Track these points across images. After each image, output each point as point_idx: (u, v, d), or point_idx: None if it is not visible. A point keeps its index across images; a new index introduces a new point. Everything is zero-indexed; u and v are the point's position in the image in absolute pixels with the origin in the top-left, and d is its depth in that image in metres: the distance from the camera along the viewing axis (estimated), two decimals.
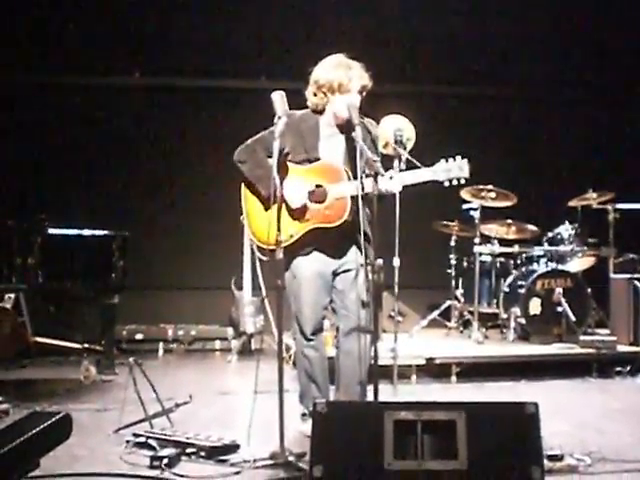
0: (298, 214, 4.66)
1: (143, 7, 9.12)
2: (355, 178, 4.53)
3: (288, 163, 4.69)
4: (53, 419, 3.33)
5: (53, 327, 7.91)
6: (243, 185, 4.85)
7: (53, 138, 8.99)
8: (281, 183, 4.44)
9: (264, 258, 4.73)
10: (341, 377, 4.79)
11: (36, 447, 3.26)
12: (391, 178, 4.49)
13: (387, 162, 5.01)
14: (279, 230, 4.27)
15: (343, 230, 4.63)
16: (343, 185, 4.60)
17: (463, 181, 4.51)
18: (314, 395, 4.72)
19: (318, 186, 4.65)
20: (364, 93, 4.74)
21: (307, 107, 4.85)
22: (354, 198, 4.54)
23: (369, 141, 4.68)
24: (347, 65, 4.71)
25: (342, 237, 4.69)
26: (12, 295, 7.35)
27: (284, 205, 4.55)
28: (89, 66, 9.07)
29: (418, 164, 4.69)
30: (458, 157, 4.50)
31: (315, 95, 4.78)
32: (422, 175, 4.55)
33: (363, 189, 4.44)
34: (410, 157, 5.41)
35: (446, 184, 4.53)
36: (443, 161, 4.52)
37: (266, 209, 4.70)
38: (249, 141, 4.83)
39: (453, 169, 4.48)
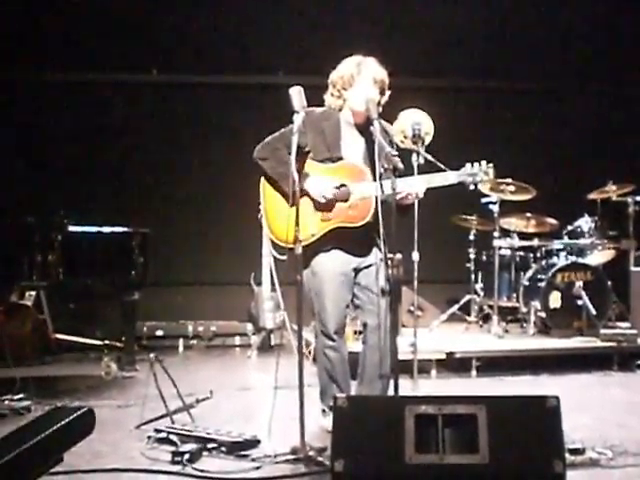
0: (324, 209, 4.65)
1: (160, 4, 9.14)
2: (373, 173, 4.53)
3: (310, 161, 4.68)
4: (76, 414, 3.34)
5: (74, 324, 7.97)
6: (263, 183, 4.83)
7: (72, 136, 9.01)
8: (300, 180, 4.44)
9: (280, 257, 4.72)
10: (365, 371, 4.78)
11: (60, 442, 3.27)
12: (402, 170, 4.49)
13: (405, 156, 4.99)
14: (298, 226, 4.27)
15: (365, 230, 4.63)
16: (367, 185, 4.59)
17: (487, 185, 4.54)
18: (334, 394, 4.69)
19: (342, 185, 4.64)
20: (387, 92, 4.75)
21: (324, 102, 4.86)
22: (377, 198, 4.54)
23: (387, 139, 4.67)
24: (357, 60, 4.75)
25: (363, 237, 4.68)
26: (33, 293, 7.40)
27: (308, 202, 4.55)
28: (107, 64, 9.09)
29: (435, 161, 4.68)
30: (483, 162, 4.56)
31: (332, 95, 4.81)
32: (447, 178, 4.60)
33: (384, 189, 4.43)
34: (427, 152, 5.40)
35: (471, 187, 4.58)
36: (469, 165, 4.58)
37: (291, 206, 4.68)
38: (269, 138, 4.81)
39: (479, 173, 4.56)
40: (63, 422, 3.27)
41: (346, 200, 4.63)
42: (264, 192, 4.83)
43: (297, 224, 4.27)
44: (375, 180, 4.54)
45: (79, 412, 3.37)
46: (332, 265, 4.70)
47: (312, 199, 4.63)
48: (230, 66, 9.39)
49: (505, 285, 8.41)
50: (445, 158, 4.98)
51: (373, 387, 4.72)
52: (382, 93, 4.75)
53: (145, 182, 9.20)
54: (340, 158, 4.71)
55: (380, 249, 4.60)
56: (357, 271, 4.76)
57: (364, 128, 4.74)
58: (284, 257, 4.65)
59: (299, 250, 4.29)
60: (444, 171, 4.69)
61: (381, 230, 4.44)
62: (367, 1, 9.19)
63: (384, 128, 4.72)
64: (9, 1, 8.76)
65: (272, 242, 4.81)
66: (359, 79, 4.69)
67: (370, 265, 4.73)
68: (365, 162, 4.70)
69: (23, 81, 9.07)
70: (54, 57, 9.01)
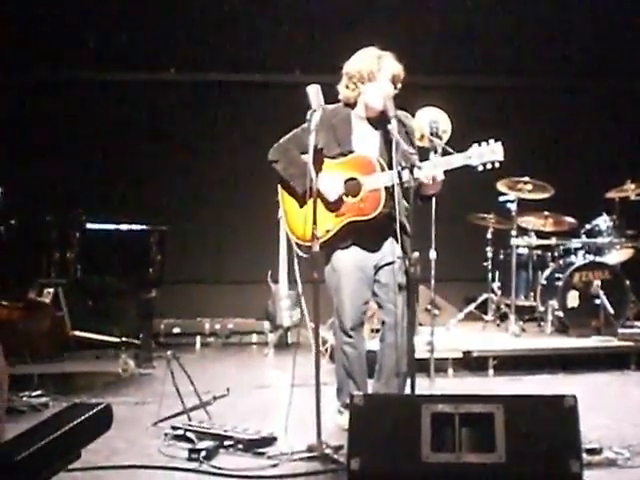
0: (334, 207, 4.66)
1: (177, 2, 9.16)
2: (390, 169, 4.53)
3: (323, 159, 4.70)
4: (94, 410, 3.36)
5: (91, 321, 7.99)
6: (280, 184, 4.87)
7: (90, 135, 9.04)
8: (318, 177, 4.45)
9: (303, 254, 4.72)
10: (382, 369, 4.78)
11: (78, 438, 3.28)
12: (420, 168, 4.45)
13: (423, 154, 4.98)
14: (315, 224, 4.28)
15: (379, 222, 4.63)
16: (376, 176, 4.59)
17: (497, 165, 4.47)
18: (351, 391, 4.66)
19: (352, 179, 4.65)
20: (399, 85, 4.74)
21: (339, 102, 4.85)
22: (388, 189, 4.54)
23: (404, 134, 4.65)
24: (377, 54, 4.72)
25: (379, 229, 4.68)
26: (51, 290, 7.41)
27: (320, 200, 4.55)
28: (125, 63, 9.11)
29: (454, 153, 4.66)
30: (491, 140, 4.48)
31: (347, 87, 4.79)
32: (454, 160, 4.54)
33: (400, 180, 4.43)
34: (446, 148, 5.38)
35: (480, 168, 4.50)
36: (476, 145, 4.51)
37: (301, 206, 4.71)
38: (282, 140, 4.84)
39: (486, 153, 4.46)
40: (81, 418, 3.28)
41: (357, 194, 4.63)
42: (282, 192, 4.85)
43: (314, 222, 4.28)
44: (387, 170, 4.55)
45: (97, 408, 3.38)
46: (351, 261, 4.71)
47: (322, 197, 4.63)
48: (247, 65, 9.39)
49: (522, 284, 8.38)
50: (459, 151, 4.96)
51: (390, 385, 4.72)
52: (395, 87, 4.74)
53: (163, 180, 9.21)
54: (351, 152, 4.72)
55: (398, 241, 4.59)
56: (377, 268, 4.76)
57: (378, 121, 4.74)
58: (307, 255, 4.64)
59: (316, 248, 4.30)
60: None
61: (397, 220, 4.44)
62: (384, 0, 9.18)
63: (402, 121, 4.70)
64: (24, 1, 8.81)
65: (293, 241, 4.82)
66: (379, 75, 4.67)
67: (390, 263, 4.72)
68: (381, 155, 4.69)
69: (40, 81, 9.10)
70: (71, 56, 9.03)
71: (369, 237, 4.71)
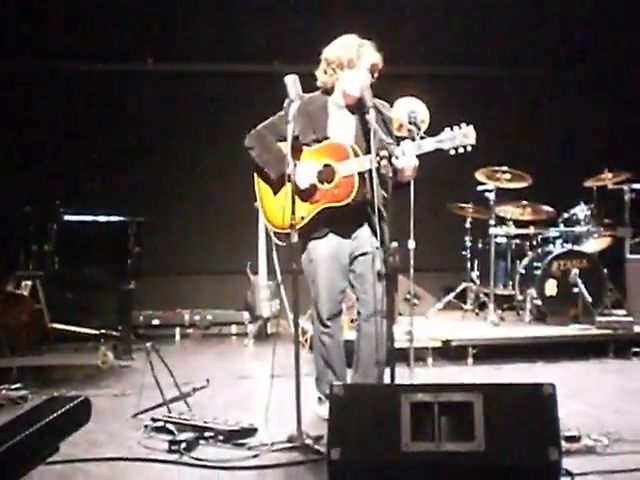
0: (307, 195, 4.67)
1: None
2: (366, 154, 4.53)
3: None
4: (73, 403, 3.34)
5: (70, 313, 7.96)
6: (255, 171, 4.87)
7: (67, 124, 9.00)
8: (295, 166, 4.46)
9: (281, 243, 4.72)
10: (360, 360, 4.79)
11: (56, 431, 3.26)
12: (397, 158, 4.46)
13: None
14: (293, 213, 4.28)
15: (354, 209, 4.64)
16: (350, 162, 4.59)
17: (469, 149, 4.44)
18: (330, 380, 4.68)
19: (326, 166, 4.65)
20: (375, 74, 4.73)
21: (318, 89, 4.85)
22: (362, 175, 4.54)
23: (381, 122, 4.65)
24: (358, 43, 4.72)
25: (354, 216, 4.70)
26: (29, 282, 7.39)
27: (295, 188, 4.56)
28: (102, 52, 9.06)
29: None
30: (463, 124, 4.47)
31: (325, 72, 4.79)
32: (425, 145, 4.52)
33: (378, 167, 4.43)
34: (424, 137, 5.37)
35: (451, 152, 4.47)
36: (448, 129, 4.49)
37: (275, 193, 4.72)
38: (258, 127, 4.86)
39: (458, 137, 4.44)
40: (59, 412, 3.26)
41: (332, 180, 4.64)
42: (258, 180, 4.86)
43: (293, 212, 4.28)
44: (363, 156, 4.57)
45: (75, 402, 3.37)
46: (327, 251, 4.72)
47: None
48: (226, 55, 9.36)
49: (501, 273, 8.42)
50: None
51: (368, 375, 4.73)
52: (372, 77, 4.74)
53: (140, 171, 9.16)
54: (326, 138, 4.73)
55: (375, 232, 4.60)
56: (352, 258, 4.77)
57: (355, 109, 4.76)
58: (284, 244, 4.65)
59: (295, 238, 4.30)
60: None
61: (375, 207, 4.45)
62: None
63: (381, 112, 4.71)
64: None
65: (270, 229, 4.82)
66: (358, 63, 4.67)
67: (365, 253, 4.73)
68: (358, 142, 4.69)
69: (18, 72, 9.03)
70: (48, 47, 8.97)
71: (344, 224, 4.71)
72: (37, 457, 3.23)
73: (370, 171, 4.45)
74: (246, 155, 4.84)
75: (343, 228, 4.73)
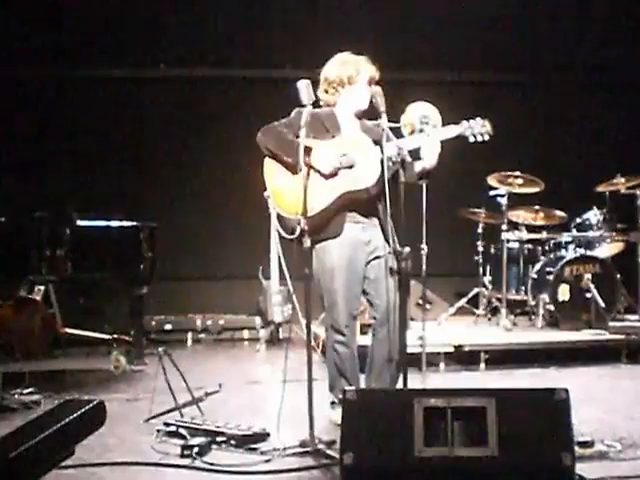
0: (329, 179, 4.68)
1: None
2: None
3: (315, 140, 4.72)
4: (88, 406, 3.35)
5: (82, 318, 7.98)
6: (267, 163, 4.82)
7: (80, 131, 9.04)
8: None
9: (288, 236, 4.65)
10: (374, 364, 4.80)
11: (72, 434, 3.28)
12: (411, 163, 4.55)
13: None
14: (305, 217, 4.30)
15: (372, 196, 4.70)
16: (371, 150, 4.65)
17: (487, 138, 4.74)
18: (343, 387, 4.69)
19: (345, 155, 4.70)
20: (372, 85, 4.82)
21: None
22: (381, 162, 4.58)
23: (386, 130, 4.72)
24: (354, 59, 4.86)
25: (370, 204, 4.76)
26: (41, 287, 7.41)
27: (313, 174, 4.60)
28: (115, 59, 9.10)
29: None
30: (478, 118, 4.77)
31: (327, 92, 4.89)
32: (448, 131, 4.77)
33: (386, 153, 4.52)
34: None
35: (471, 139, 4.73)
36: (464, 121, 4.75)
37: (294, 174, 4.66)
38: (273, 123, 4.84)
39: (476, 126, 4.73)
40: (75, 414, 3.27)
41: (352, 166, 4.68)
42: (269, 172, 4.82)
43: (305, 213, 4.29)
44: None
45: (91, 404, 3.38)
46: (344, 258, 4.70)
47: (317, 170, 4.65)
48: (237, 60, 9.38)
49: (513, 278, 8.39)
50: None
51: (381, 379, 4.73)
52: (371, 87, 4.82)
53: (153, 176, 9.19)
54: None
55: (388, 238, 4.65)
56: (367, 263, 4.78)
57: (359, 119, 4.91)
58: (293, 236, 4.58)
59: (307, 243, 4.31)
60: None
61: (388, 203, 4.46)
62: None
63: (378, 125, 4.74)
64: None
65: (279, 223, 4.78)
66: (358, 79, 4.79)
67: (379, 257, 4.75)
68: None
69: (30, 78, 9.07)
70: (62, 53, 9.00)
71: (361, 212, 4.76)
72: (52, 460, 3.25)
73: (382, 163, 4.53)
74: (258, 160, 4.83)
75: (361, 211, 4.76)
